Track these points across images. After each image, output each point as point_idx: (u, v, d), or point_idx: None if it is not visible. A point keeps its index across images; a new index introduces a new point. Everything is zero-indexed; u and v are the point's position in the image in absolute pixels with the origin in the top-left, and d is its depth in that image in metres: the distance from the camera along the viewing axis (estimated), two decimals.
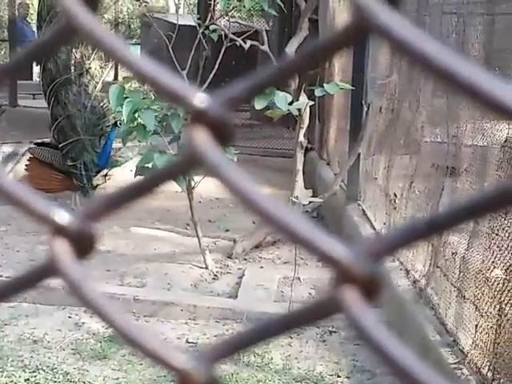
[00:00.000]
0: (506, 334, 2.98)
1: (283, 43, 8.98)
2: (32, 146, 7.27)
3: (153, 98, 4.70)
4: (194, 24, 5.92)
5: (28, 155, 7.12)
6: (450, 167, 4.00)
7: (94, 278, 4.54)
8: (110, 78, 7.46)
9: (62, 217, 0.40)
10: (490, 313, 3.12)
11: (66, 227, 0.39)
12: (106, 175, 6.97)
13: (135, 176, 4.61)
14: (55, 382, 3.69)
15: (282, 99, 4.61)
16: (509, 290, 2.99)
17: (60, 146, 6.92)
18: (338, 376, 3.81)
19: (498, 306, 3.06)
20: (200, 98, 0.36)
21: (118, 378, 3.74)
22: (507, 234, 3.04)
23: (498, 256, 3.12)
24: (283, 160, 8.04)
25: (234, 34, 5.92)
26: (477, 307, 3.28)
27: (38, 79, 10.85)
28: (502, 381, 2.98)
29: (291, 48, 5.87)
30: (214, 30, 5.76)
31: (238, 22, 7.26)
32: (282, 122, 8.56)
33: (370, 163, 5.74)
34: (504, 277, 3.08)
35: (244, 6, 5.62)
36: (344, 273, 0.32)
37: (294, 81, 5.83)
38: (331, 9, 7.22)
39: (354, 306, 0.32)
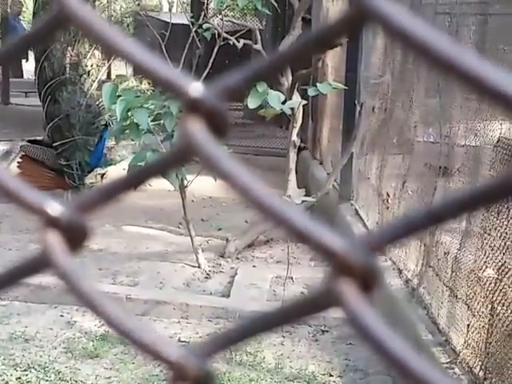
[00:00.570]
0: (498, 333, 2.99)
1: (276, 42, 8.98)
2: (24, 143, 7.25)
3: (146, 96, 4.70)
4: (187, 23, 5.92)
5: (20, 153, 7.11)
6: (442, 167, 4.01)
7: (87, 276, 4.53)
8: (103, 76, 7.44)
9: (54, 208, 0.39)
10: (482, 312, 3.13)
11: (58, 219, 0.39)
12: (103, 175, 6.96)
13: None
14: (47, 380, 3.67)
15: (275, 98, 4.61)
16: (501, 290, 3.00)
17: (54, 144, 6.91)
18: (331, 375, 3.81)
19: (489, 306, 3.06)
20: (195, 88, 0.35)
21: (109, 377, 3.73)
22: (499, 234, 3.05)
23: (490, 256, 3.13)
24: (276, 159, 8.04)
25: (227, 32, 5.92)
26: (469, 307, 3.29)
27: (30, 77, 10.85)
28: (493, 380, 2.98)
29: (284, 47, 5.86)
30: (208, 29, 5.75)
31: (232, 21, 7.26)
32: (275, 121, 8.56)
33: (363, 163, 5.74)
34: (496, 276, 3.08)
35: (237, 5, 5.62)
36: (341, 264, 0.32)
37: (287, 80, 5.83)
38: (325, 8, 7.22)
39: (352, 299, 0.31)
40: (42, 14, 7.12)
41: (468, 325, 3.24)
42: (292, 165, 6.08)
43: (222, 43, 5.75)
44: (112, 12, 7.83)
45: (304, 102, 5.45)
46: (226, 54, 6.87)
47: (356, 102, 5.69)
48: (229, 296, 4.67)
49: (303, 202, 5.37)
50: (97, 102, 6.93)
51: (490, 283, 3.09)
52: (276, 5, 6.17)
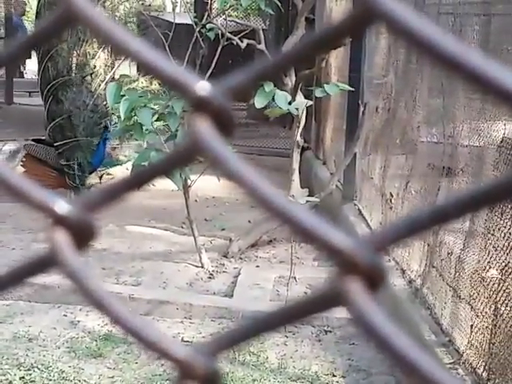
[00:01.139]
0: (502, 334, 2.98)
1: (280, 42, 8.98)
2: (27, 142, 7.27)
3: (150, 96, 4.70)
4: (190, 23, 5.92)
5: (24, 152, 7.13)
6: (446, 167, 4.00)
7: None
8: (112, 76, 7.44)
9: (62, 207, 0.39)
10: (486, 313, 3.12)
11: (65, 217, 0.39)
12: (101, 176, 6.97)
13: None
14: (50, 380, 3.68)
15: (282, 98, 4.60)
16: (504, 290, 2.99)
17: (55, 144, 6.91)
18: (334, 375, 3.81)
19: (493, 306, 3.06)
20: (202, 87, 0.35)
21: (113, 377, 3.73)
22: (503, 234, 3.05)
23: (494, 256, 3.12)
24: (279, 159, 8.04)
25: (230, 32, 5.92)
26: (472, 307, 3.28)
27: (33, 77, 10.87)
28: (497, 381, 2.98)
29: (288, 47, 5.86)
30: (211, 29, 5.75)
31: (235, 21, 7.26)
32: (279, 121, 8.57)
33: (366, 163, 5.74)
34: (499, 277, 3.08)
35: (241, 5, 5.62)
36: (347, 263, 0.32)
37: (291, 80, 5.83)
38: (328, 8, 7.22)
39: (358, 298, 0.31)
40: (46, 14, 7.12)
41: (471, 325, 3.24)
42: (295, 165, 6.09)
43: (226, 43, 5.75)
44: (117, 12, 7.85)
45: (310, 102, 5.44)
46: (230, 54, 6.88)
47: (359, 102, 5.69)
48: (232, 296, 4.67)
49: (306, 201, 5.37)
50: (104, 103, 6.94)
51: (494, 284, 3.09)
52: (279, 5, 6.17)
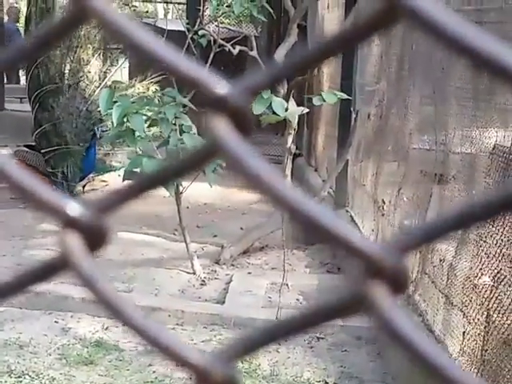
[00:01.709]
0: (494, 341, 2.99)
1: (272, 49, 8.99)
2: (19, 148, 7.25)
3: (144, 101, 4.70)
4: (182, 29, 5.92)
5: (15, 158, 7.10)
6: (438, 174, 4.01)
7: None
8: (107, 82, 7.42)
9: (74, 209, 0.39)
10: (478, 320, 3.12)
11: (78, 220, 0.39)
12: (84, 186, 6.96)
13: (123, 181, 4.60)
14: None
15: (278, 105, 4.60)
16: (496, 297, 2.99)
17: (42, 151, 6.90)
18: (326, 382, 3.80)
19: (485, 313, 3.06)
20: (221, 86, 0.35)
21: None
22: (495, 241, 3.05)
23: (486, 263, 3.13)
24: (271, 166, 8.03)
25: (222, 39, 5.92)
26: (464, 314, 3.29)
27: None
28: None
29: (280, 54, 5.87)
30: (203, 36, 5.76)
31: (227, 28, 7.28)
32: (271, 128, 8.56)
33: (358, 170, 5.75)
34: (492, 284, 3.08)
35: (233, 12, 5.63)
36: (372, 267, 0.31)
37: (283, 87, 5.84)
38: (320, 15, 7.24)
39: (384, 303, 0.31)
40: (37, 20, 7.11)
41: (464, 332, 3.24)
42: (287, 172, 6.08)
43: (218, 50, 5.76)
44: None
45: (306, 110, 5.44)
46: (222, 61, 6.88)
47: (351, 109, 5.70)
48: (224, 303, 4.66)
49: None
50: (98, 109, 6.93)
51: (486, 291, 3.09)
52: (272, 11, 6.18)
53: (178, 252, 5.44)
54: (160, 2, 14.28)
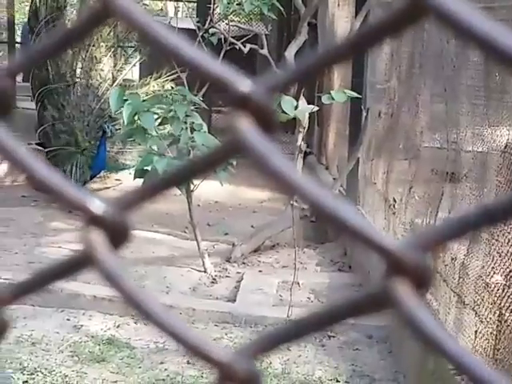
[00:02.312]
0: (506, 340, 2.98)
1: (282, 47, 8.99)
2: (30, 146, 7.27)
3: (155, 100, 4.71)
4: (193, 27, 5.93)
5: None
6: (449, 173, 4.00)
7: (93, 280, 4.53)
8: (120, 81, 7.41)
9: (97, 206, 0.39)
10: (490, 319, 3.12)
11: (101, 217, 0.39)
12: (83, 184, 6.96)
13: (134, 179, 4.61)
14: None
15: (288, 104, 4.60)
16: (509, 296, 2.98)
17: (45, 150, 6.92)
18: (337, 381, 3.80)
19: (497, 312, 3.05)
20: (245, 84, 0.35)
21: (116, 381, 3.73)
22: (507, 240, 3.04)
23: (498, 262, 3.12)
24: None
25: (233, 37, 5.93)
26: (476, 313, 3.28)
27: None
28: None
29: (290, 52, 5.87)
30: (214, 34, 5.77)
31: (238, 26, 7.27)
32: (281, 126, 8.56)
33: (369, 168, 5.73)
34: (504, 283, 3.07)
35: (243, 10, 5.63)
36: (396, 263, 0.32)
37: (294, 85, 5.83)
38: (330, 13, 7.23)
39: (408, 299, 0.31)
40: (46, 18, 7.15)
41: (476, 331, 3.23)
42: (298, 169, 6.08)
43: (228, 48, 5.76)
44: None
45: (316, 108, 5.43)
46: (232, 59, 6.87)
47: (362, 107, 5.69)
48: (235, 301, 4.66)
49: None
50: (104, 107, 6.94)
51: (498, 289, 3.08)
52: (282, 9, 6.18)
53: (189, 250, 5.45)
54: (170, 0, 14.30)
